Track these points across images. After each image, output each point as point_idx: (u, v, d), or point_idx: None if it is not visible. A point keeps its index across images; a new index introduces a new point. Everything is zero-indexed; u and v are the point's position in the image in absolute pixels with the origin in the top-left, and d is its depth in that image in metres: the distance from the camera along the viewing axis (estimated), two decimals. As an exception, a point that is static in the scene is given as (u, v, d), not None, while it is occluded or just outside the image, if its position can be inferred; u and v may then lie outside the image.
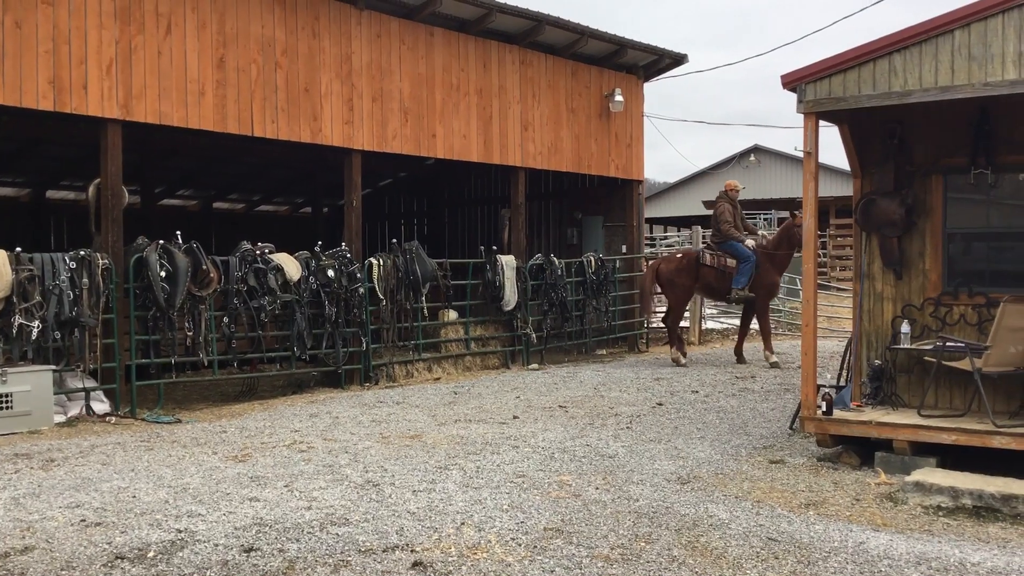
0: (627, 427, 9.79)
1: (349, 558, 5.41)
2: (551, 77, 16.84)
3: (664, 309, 16.60)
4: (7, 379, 9.43)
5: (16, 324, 9.76)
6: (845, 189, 29.97)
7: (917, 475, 7.01)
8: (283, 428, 9.79)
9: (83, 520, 6.15)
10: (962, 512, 6.53)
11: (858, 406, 8.56)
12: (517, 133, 16.20)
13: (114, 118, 11.06)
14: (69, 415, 10.18)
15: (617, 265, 17.93)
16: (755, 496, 6.94)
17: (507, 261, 15.49)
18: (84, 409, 10.38)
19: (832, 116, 8.48)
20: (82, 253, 10.46)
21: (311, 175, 22.51)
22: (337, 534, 5.86)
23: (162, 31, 11.45)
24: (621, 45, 17.51)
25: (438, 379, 14.11)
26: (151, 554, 5.44)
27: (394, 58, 14.17)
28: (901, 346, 8.53)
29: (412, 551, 5.54)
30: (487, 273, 15.35)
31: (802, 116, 8.17)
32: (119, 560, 5.34)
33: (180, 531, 5.89)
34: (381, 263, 13.57)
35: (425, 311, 14.18)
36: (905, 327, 8.55)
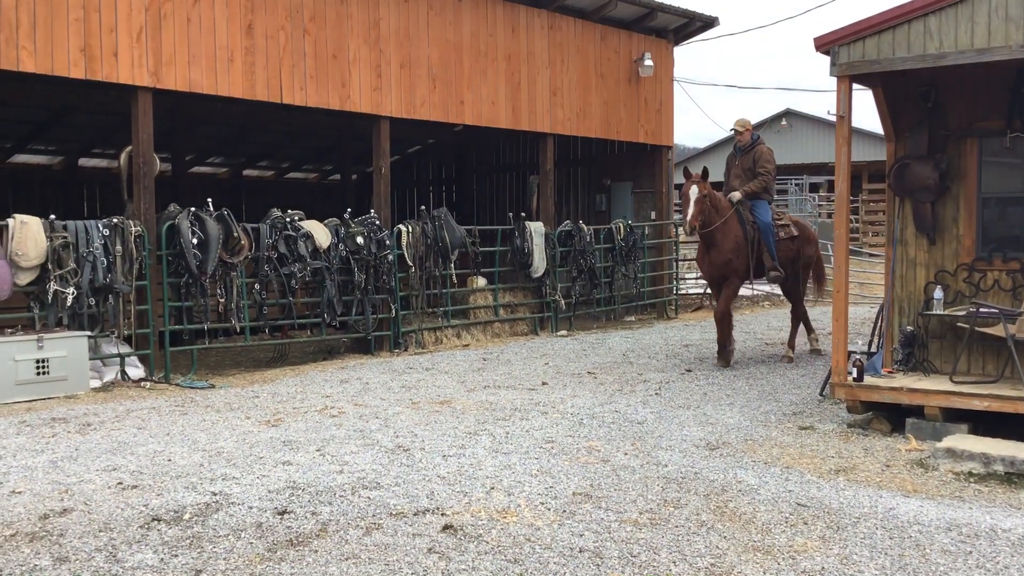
0: (656, 393, 9.80)
1: (381, 521, 5.48)
2: (580, 42, 16.69)
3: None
4: (44, 345, 9.59)
5: (51, 291, 9.90)
6: (878, 153, 29.64)
7: (948, 441, 6.97)
8: (314, 393, 9.89)
9: (120, 483, 6.27)
10: (994, 478, 6.49)
11: (889, 372, 8.51)
12: (546, 99, 16.10)
13: (144, 86, 11.11)
14: (104, 380, 10.34)
15: (646, 232, 17.85)
16: (784, 462, 6.94)
17: (535, 228, 15.47)
18: (119, 374, 10.53)
19: (866, 79, 8.35)
20: (115, 220, 10.57)
21: (340, 142, 22.54)
22: (369, 497, 5.93)
23: (191, -2, 11.46)
24: (651, 8, 17.32)
25: (467, 345, 14.17)
26: (187, 516, 5.54)
27: (422, 24, 14.10)
28: (934, 312, 8.45)
29: (443, 515, 5.60)
30: (516, 240, 15.34)
31: (835, 79, 8.06)
32: (155, 522, 5.44)
33: (215, 494, 5.99)
34: (410, 230, 13.60)
35: (454, 278, 14.21)
36: (938, 293, 8.47)
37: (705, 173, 11.25)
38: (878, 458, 7.10)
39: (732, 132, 12.23)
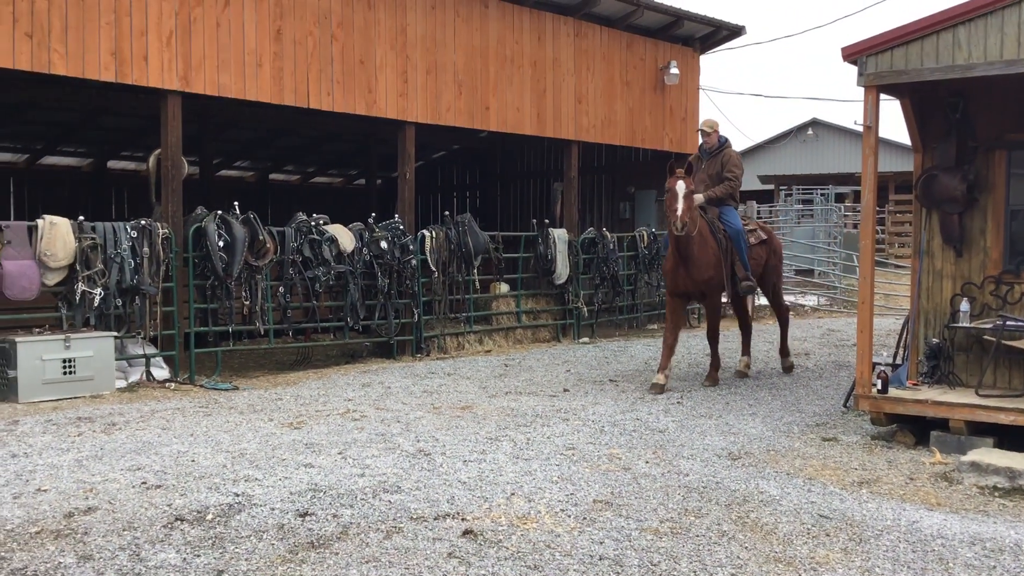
0: (677, 402, 9.77)
1: (401, 525, 5.50)
2: (606, 49, 16.70)
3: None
4: (70, 345, 9.69)
5: (79, 291, 10.01)
6: (906, 164, 29.41)
7: (973, 455, 6.91)
8: (336, 397, 9.94)
9: (144, 482, 6.32)
10: (1019, 493, 6.43)
11: (914, 385, 8.45)
12: (571, 106, 16.12)
13: (174, 89, 11.22)
14: (130, 380, 10.44)
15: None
16: (807, 473, 6.91)
17: (559, 235, 15.48)
18: (144, 375, 10.62)
19: (893, 89, 8.32)
20: (143, 222, 10.67)
21: (365, 147, 22.65)
22: (389, 501, 5.95)
23: (221, 3, 11.56)
24: (677, 17, 17.30)
25: (489, 351, 14.18)
26: (210, 517, 5.58)
27: (448, 30, 14.16)
28: (960, 324, 8.38)
29: (463, 519, 5.61)
30: (539, 246, 15.36)
31: (862, 89, 8.03)
32: (179, 522, 5.48)
33: (238, 495, 6.02)
34: (434, 235, 13.64)
35: (477, 283, 14.25)
36: (964, 305, 8.40)
37: (689, 168, 10.40)
38: (902, 471, 7.05)
39: (698, 133, 11.38)
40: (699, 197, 10.74)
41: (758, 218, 20.98)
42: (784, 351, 12.23)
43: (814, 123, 42.15)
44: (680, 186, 10.10)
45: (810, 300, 22.12)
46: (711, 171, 11.16)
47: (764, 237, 11.82)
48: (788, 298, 22.28)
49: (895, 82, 7.91)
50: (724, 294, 11.62)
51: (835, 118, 63.22)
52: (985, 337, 8.23)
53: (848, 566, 5.01)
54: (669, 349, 10.66)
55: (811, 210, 30.31)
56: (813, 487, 6.50)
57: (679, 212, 10.01)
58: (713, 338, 11.14)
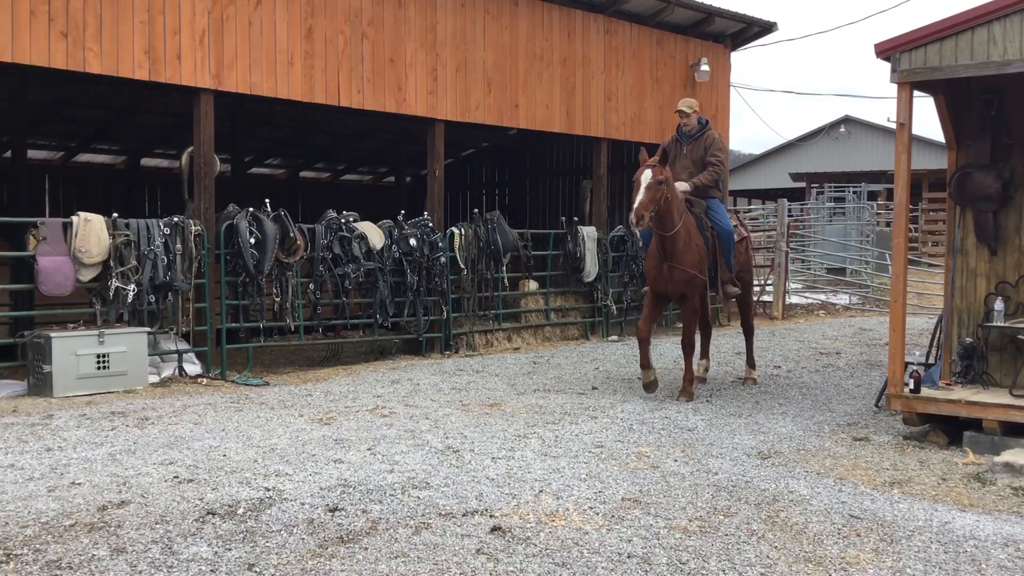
0: (707, 400, 9.73)
1: (430, 521, 5.52)
2: (636, 46, 16.65)
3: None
4: (104, 340, 9.80)
5: (113, 287, 10.13)
6: (939, 162, 29.09)
7: (1007, 456, 6.84)
8: (366, 393, 9.99)
9: (176, 477, 6.39)
10: (1054, 495, 6.35)
11: (947, 384, 8.36)
12: (600, 103, 16.09)
13: (206, 88, 11.31)
14: (163, 376, 10.55)
15: (700, 237, 17.70)
16: (838, 473, 6.86)
17: (588, 232, 15.46)
18: (177, 370, 10.73)
19: (927, 86, 8.23)
20: (176, 219, 10.78)
21: (395, 145, 22.73)
22: (418, 497, 5.97)
23: (253, 2, 11.65)
24: (708, 13, 17.22)
25: (517, 349, 14.19)
26: (241, 511, 5.64)
27: (478, 28, 14.18)
28: (994, 324, 8.29)
29: (491, 516, 5.62)
30: (568, 244, 15.35)
31: (896, 86, 7.95)
32: (210, 516, 5.54)
33: (268, 489, 6.08)
34: (463, 233, 13.67)
35: (506, 281, 14.26)
36: (999, 304, 8.30)
37: (664, 157, 9.23)
38: (934, 471, 6.98)
39: (677, 114, 10.29)
40: (683, 186, 9.73)
41: (788, 216, 20.82)
42: (751, 361, 11.09)
43: (846, 120, 41.77)
44: (645, 175, 8.96)
45: (842, 299, 21.94)
46: (694, 156, 10.07)
47: (745, 235, 10.92)
48: (819, 296, 22.19)
49: (929, 79, 7.83)
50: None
51: (868, 115, 62.66)
52: (1020, 337, 8.13)
53: (879, 566, 4.97)
54: (644, 344, 9.71)
55: (843, 208, 30.07)
56: (844, 487, 6.46)
57: (636, 204, 8.84)
58: (688, 347, 9.86)
